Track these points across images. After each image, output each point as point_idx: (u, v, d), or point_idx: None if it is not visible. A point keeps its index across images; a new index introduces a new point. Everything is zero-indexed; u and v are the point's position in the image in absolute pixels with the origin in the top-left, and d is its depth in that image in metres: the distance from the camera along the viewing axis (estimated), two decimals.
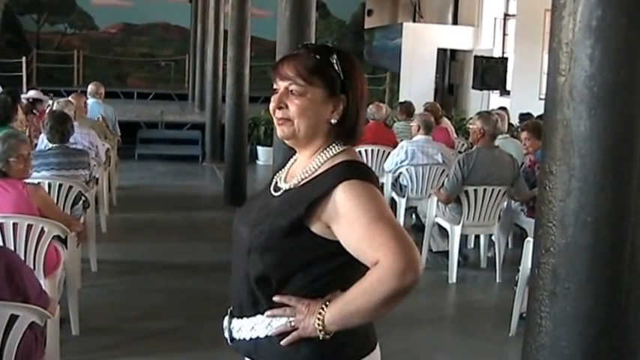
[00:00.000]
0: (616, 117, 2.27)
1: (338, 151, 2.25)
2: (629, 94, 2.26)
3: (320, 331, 2.10)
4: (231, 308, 2.34)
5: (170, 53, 24.19)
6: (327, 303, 2.11)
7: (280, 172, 2.39)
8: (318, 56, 2.22)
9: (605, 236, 2.30)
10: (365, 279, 2.05)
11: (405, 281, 2.01)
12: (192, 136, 14.95)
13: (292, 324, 2.15)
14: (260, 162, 13.95)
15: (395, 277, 2.01)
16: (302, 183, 2.23)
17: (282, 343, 2.16)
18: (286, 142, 2.27)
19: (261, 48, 19.13)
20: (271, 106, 2.24)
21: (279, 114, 2.22)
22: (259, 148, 14.04)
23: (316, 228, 2.13)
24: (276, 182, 2.33)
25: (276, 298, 2.17)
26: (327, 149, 2.25)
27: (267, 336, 2.21)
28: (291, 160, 2.39)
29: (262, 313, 2.20)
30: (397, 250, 2.02)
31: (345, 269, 2.15)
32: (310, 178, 2.22)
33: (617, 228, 2.29)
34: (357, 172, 2.17)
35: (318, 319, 2.10)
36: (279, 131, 2.24)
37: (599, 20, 2.25)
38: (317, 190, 2.14)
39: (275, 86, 2.24)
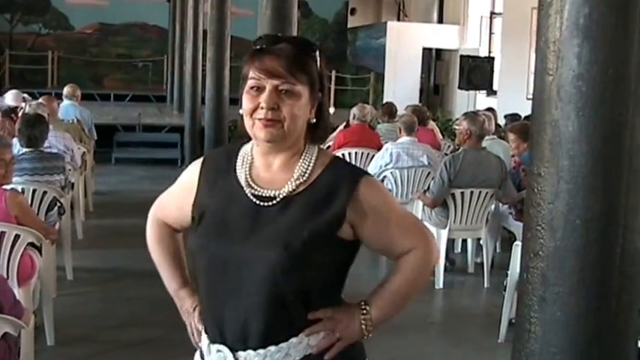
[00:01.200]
0: (605, 117, 2.23)
1: (318, 151, 2.21)
2: (618, 94, 2.22)
3: (367, 331, 2.18)
4: (228, 340, 2.13)
5: (148, 54, 24.04)
6: (363, 304, 2.18)
7: (228, 175, 2.19)
8: (303, 52, 2.13)
9: (595, 239, 2.25)
10: (404, 268, 2.19)
11: (433, 266, 2.29)
12: (171, 139, 14.85)
13: (337, 335, 2.12)
14: None
15: (430, 262, 2.25)
16: (302, 188, 2.12)
17: (327, 357, 2.12)
18: (268, 144, 2.11)
19: (242, 48, 18.93)
20: (263, 107, 2.06)
21: (270, 115, 2.05)
22: None
23: (342, 231, 2.12)
24: (252, 190, 2.13)
25: (311, 316, 2.10)
26: (309, 150, 2.19)
27: (305, 356, 2.11)
28: (243, 161, 2.19)
29: (297, 335, 2.09)
30: (428, 237, 2.24)
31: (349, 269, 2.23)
32: (310, 181, 2.13)
33: (607, 230, 2.25)
34: (359, 169, 2.29)
35: (364, 320, 2.15)
36: (266, 133, 2.06)
37: (587, 18, 2.21)
38: (339, 193, 2.10)
39: (254, 82, 2.08)
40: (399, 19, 22.16)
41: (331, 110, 11.57)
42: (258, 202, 2.12)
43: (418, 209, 7.25)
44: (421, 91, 19.07)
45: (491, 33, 18.53)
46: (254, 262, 2.05)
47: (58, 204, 6.36)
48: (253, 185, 2.14)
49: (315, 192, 2.10)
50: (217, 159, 2.26)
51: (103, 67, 24.00)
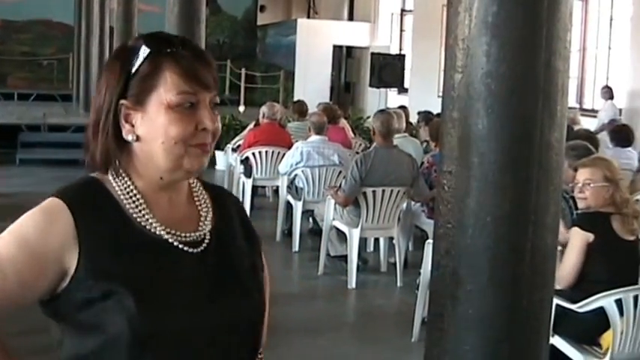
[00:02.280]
0: (514, 114, 2.24)
1: None
2: (526, 91, 2.23)
3: None
4: None
5: (53, 52, 23.38)
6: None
7: (125, 225, 1.61)
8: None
9: (506, 236, 2.27)
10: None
11: None
12: (78, 139, 14.43)
13: None
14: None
15: None
16: (214, 220, 1.73)
17: None
18: (190, 175, 1.67)
19: None
20: (206, 129, 1.60)
21: (209, 138, 1.62)
22: None
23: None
24: (175, 237, 1.63)
25: None
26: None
27: None
28: (134, 202, 1.63)
29: None
30: None
31: None
32: (213, 210, 1.76)
33: (517, 228, 2.26)
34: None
35: None
36: (201, 163, 1.62)
37: (495, 16, 2.22)
38: (241, 216, 1.84)
39: (188, 97, 1.60)
40: (309, 17, 22.15)
41: (241, 109, 11.54)
42: (189, 249, 1.64)
43: (330, 208, 7.22)
44: (332, 89, 19.10)
45: (402, 30, 18.71)
46: (233, 321, 1.66)
47: None
48: (172, 231, 1.64)
49: (225, 220, 1.76)
50: (90, 204, 1.62)
51: (5, 65, 23.22)
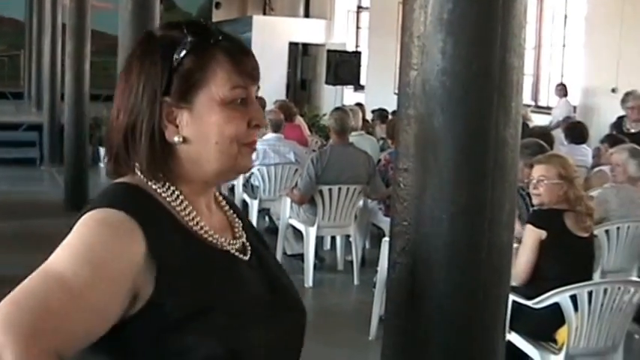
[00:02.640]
0: (469, 111, 2.23)
1: None
2: (482, 88, 2.23)
3: None
4: None
5: (3, 48, 23.01)
6: None
7: (187, 237, 1.45)
8: None
9: (462, 233, 2.26)
10: None
11: None
12: (29, 137, 14.25)
13: None
14: (103, 164, 13.46)
15: None
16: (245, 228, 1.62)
17: None
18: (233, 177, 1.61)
19: (103, 42, 18.47)
20: (257, 125, 1.49)
21: (255, 135, 1.51)
22: (102, 150, 13.56)
23: None
24: (231, 245, 1.52)
25: None
26: None
27: None
28: (185, 210, 1.47)
29: None
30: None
31: None
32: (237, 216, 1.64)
33: (473, 224, 2.26)
34: None
35: None
36: (251, 162, 1.53)
37: (450, 13, 2.21)
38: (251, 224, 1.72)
39: (242, 92, 1.47)
40: (264, 13, 22.08)
41: None
42: (244, 257, 1.54)
43: (286, 206, 7.20)
44: (288, 86, 19.06)
45: (358, 27, 18.73)
46: (293, 331, 1.60)
47: None
48: (223, 239, 1.51)
49: (247, 225, 1.65)
50: (151, 216, 1.41)
51: None
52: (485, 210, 2.24)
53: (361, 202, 7.12)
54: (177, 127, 1.44)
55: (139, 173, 1.46)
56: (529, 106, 13.36)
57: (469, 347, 2.31)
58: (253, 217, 7.97)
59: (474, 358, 2.33)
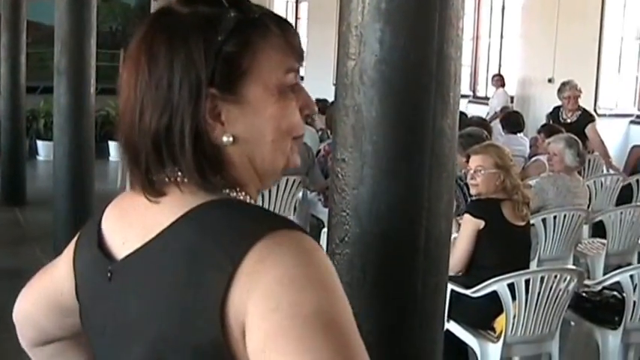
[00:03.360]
0: (407, 101, 2.23)
1: None
2: (420, 78, 2.22)
3: None
4: None
5: None
6: None
7: None
8: None
9: (400, 223, 2.26)
10: None
11: None
12: None
13: None
14: (40, 157, 13.19)
15: None
16: None
17: None
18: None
19: (38, 33, 18.09)
20: (309, 114, 1.30)
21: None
22: (39, 143, 13.30)
23: None
24: None
25: None
26: None
27: None
28: None
29: None
30: None
31: None
32: None
33: (410, 214, 2.26)
34: None
35: None
36: (298, 158, 1.30)
37: (388, 3, 2.20)
38: None
39: (293, 77, 1.23)
40: None
41: None
42: None
43: None
44: None
45: (297, 18, 18.72)
46: None
47: None
48: None
49: None
50: None
51: None
52: (423, 200, 2.24)
53: (300, 194, 7.11)
54: (222, 124, 1.16)
55: (189, 184, 1.16)
56: (467, 96, 13.51)
57: (408, 336, 2.31)
58: None
59: (414, 347, 2.33)
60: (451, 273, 3.99)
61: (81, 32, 6.04)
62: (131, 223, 1.23)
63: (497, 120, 9.78)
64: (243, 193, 1.20)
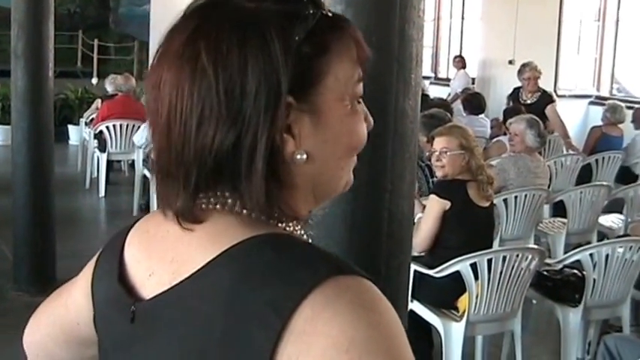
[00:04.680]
0: (369, 83, 2.20)
1: None
2: (381, 60, 2.22)
3: None
4: None
5: None
6: None
7: None
8: None
9: (363, 205, 2.26)
10: None
11: None
12: None
13: None
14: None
15: None
16: None
17: None
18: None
19: None
20: (372, 122, 1.14)
21: None
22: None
23: None
24: None
25: None
26: None
27: None
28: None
29: None
30: None
31: None
32: None
33: (373, 196, 2.25)
34: None
35: None
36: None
37: None
38: None
39: (361, 88, 1.09)
40: None
41: (94, 81, 11.20)
42: None
43: None
44: None
45: None
46: None
47: None
48: None
49: None
50: None
51: None
52: (385, 181, 2.24)
53: None
54: (294, 138, 0.98)
55: (240, 212, 1.00)
56: (428, 78, 13.54)
57: None
58: (154, 193, 7.86)
59: None
60: (415, 252, 4.01)
61: (38, 14, 5.93)
62: (159, 253, 1.06)
63: (459, 101, 9.82)
64: (294, 224, 1.03)
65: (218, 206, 1.00)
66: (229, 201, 0.99)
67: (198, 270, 0.97)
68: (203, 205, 1.00)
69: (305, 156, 0.99)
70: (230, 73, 0.95)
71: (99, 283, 1.15)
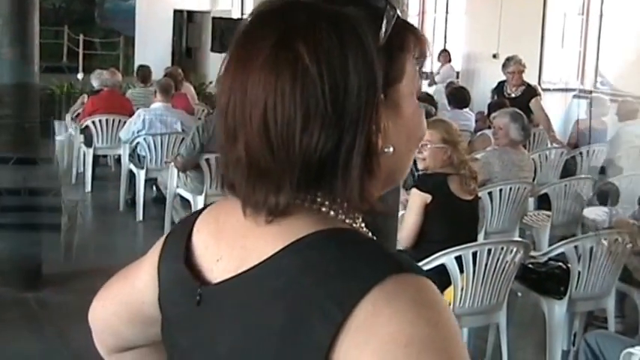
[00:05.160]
0: None
1: None
2: None
3: None
4: None
5: None
6: None
7: None
8: None
9: None
10: None
11: None
12: None
13: None
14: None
15: None
16: None
17: None
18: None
19: None
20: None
21: None
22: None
23: None
24: None
25: None
26: None
27: None
28: None
29: None
30: None
31: None
32: None
33: None
34: None
35: None
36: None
37: None
38: None
39: (420, 82, 1.22)
40: None
41: (80, 76, 11.15)
42: None
43: (173, 176, 7.12)
44: (173, 54, 18.75)
45: None
46: None
47: None
48: None
49: None
50: None
51: None
52: None
53: None
54: (381, 133, 1.03)
55: (320, 207, 1.02)
56: None
57: None
58: (140, 188, 7.86)
59: None
60: (400, 247, 4.03)
61: (23, 9, 5.91)
62: (229, 241, 1.09)
63: (443, 95, 9.84)
64: (355, 216, 1.06)
65: (306, 204, 1.02)
66: (318, 198, 1.02)
67: (264, 260, 1.01)
68: (297, 201, 1.02)
69: (392, 149, 1.04)
70: (334, 71, 0.97)
71: (165, 265, 1.20)
